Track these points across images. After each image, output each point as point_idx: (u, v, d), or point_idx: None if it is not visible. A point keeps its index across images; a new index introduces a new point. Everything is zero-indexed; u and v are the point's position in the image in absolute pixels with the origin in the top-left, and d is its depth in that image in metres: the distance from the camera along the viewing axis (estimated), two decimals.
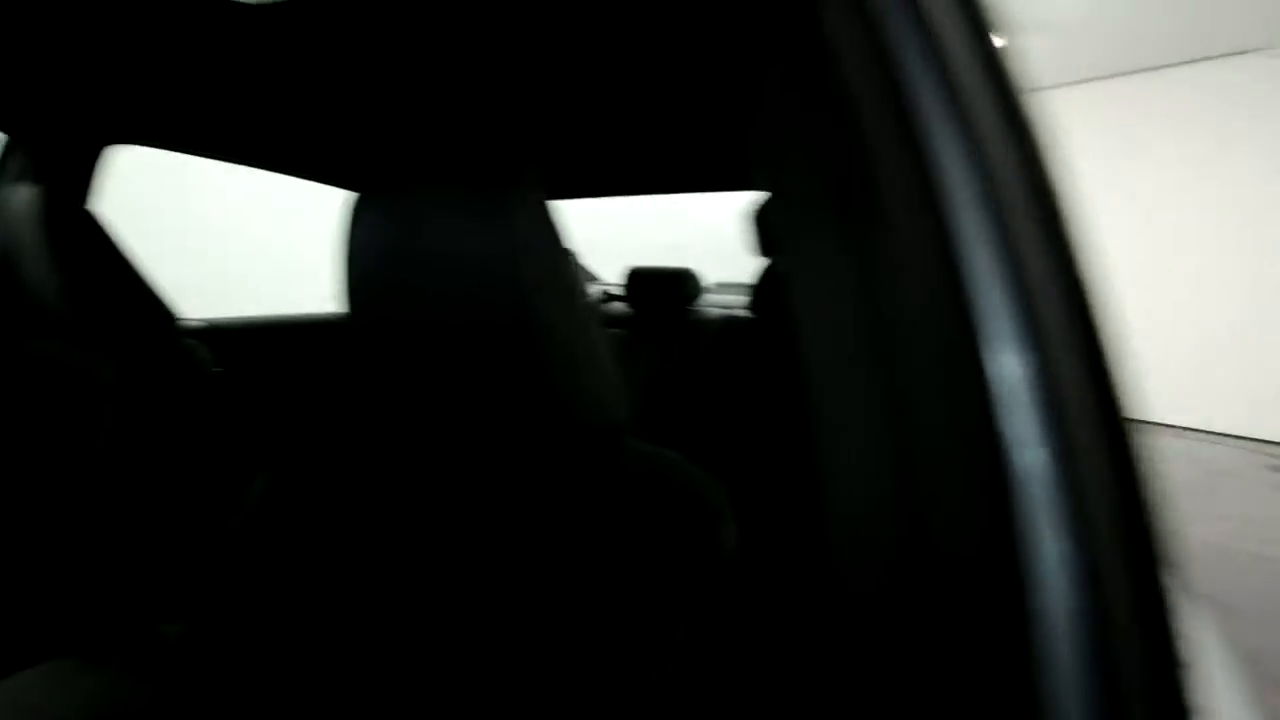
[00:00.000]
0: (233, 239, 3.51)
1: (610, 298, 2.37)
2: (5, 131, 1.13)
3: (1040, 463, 0.26)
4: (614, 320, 1.94)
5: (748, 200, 1.53)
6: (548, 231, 0.47)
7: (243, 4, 0.71)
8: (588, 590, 0.45)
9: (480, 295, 0.46)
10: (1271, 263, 4.37)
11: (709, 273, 1.99)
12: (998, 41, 0.34)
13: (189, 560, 0.93)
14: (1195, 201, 4.68)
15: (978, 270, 0.29)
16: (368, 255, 0.53)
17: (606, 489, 0.48)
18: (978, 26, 0.33)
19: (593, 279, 2.98)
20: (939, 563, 0.29)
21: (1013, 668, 0.25)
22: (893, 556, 0.30)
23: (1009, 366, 0.28)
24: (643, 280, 1.88)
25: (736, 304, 1.85)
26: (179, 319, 1.03)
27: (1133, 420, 0.31)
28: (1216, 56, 4.43)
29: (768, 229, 0.40)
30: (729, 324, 1.65)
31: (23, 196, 0.94)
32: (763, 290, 1.51)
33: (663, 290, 1.86)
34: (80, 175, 1.17)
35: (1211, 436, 4.58)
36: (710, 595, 0.44)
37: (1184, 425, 4.73)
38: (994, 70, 0.33)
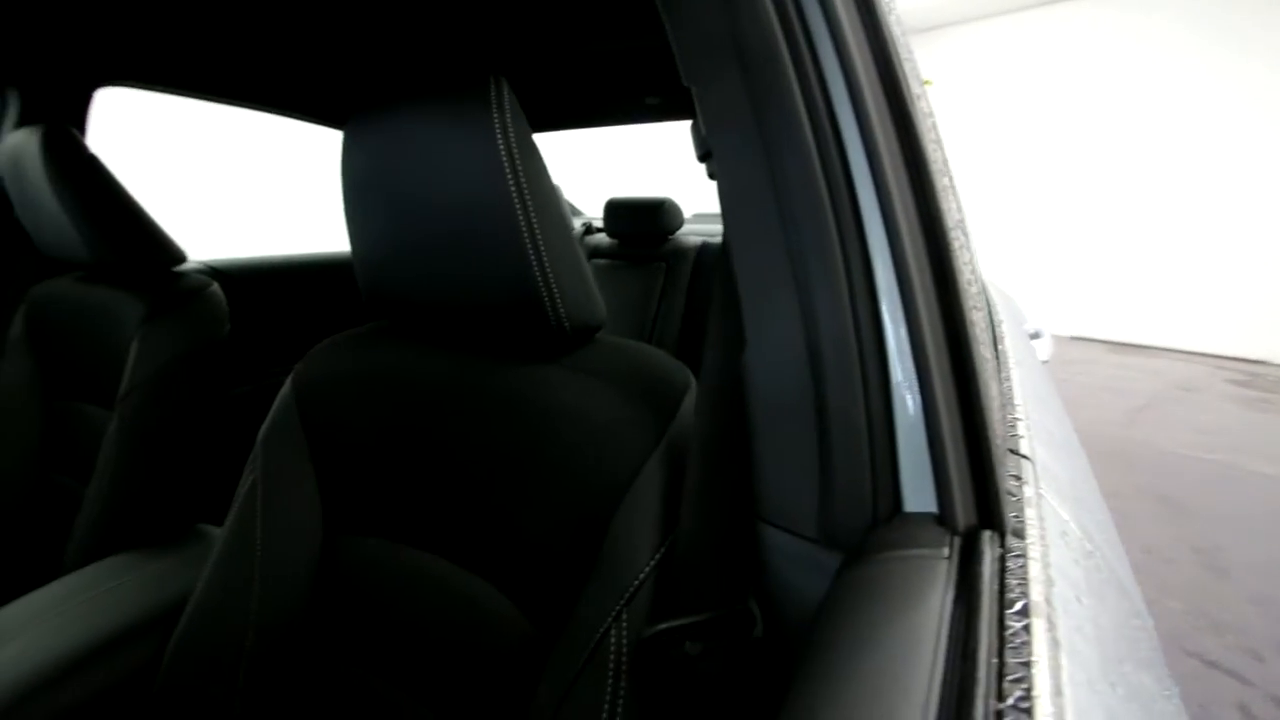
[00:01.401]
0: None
1: (591, 230, 2.42)
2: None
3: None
4: (597, 252, 2.00)
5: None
6: (529, 145, 0.52)
7: None
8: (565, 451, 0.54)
9: (473, 204, 0.52)
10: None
11: (687, 204, 2.04)
12: None
13: (220, 471, 1.03)
14: None
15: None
16: (365, 177, 0.59)
17: (583, 370, 0.56)
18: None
19: (575, 212, 3.00)
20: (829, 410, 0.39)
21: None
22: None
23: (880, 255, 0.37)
24: (622, 211, 1.93)
25: (715, 232, 1.92)
26: (186, 258, 1.10)
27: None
28: None
29: (702, 139, 0.45)
30: (706, 249, 1.73)
31: (23, 137, 0.99)
32: None
33: (643, 221, 1.91)
34: (74, 118, 1.20)
35: (1180, 354, 4.78)
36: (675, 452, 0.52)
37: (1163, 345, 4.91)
38: None
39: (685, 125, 1.91)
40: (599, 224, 2.33)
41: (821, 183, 0.38)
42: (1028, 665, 0.25)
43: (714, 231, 1.92)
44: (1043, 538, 0.35)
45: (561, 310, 0.54)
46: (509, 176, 0.51)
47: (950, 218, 0.37)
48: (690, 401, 0.54)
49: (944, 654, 0.25)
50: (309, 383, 0.68)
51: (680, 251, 1.84)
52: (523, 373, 0.57)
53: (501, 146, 0.51)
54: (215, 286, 1.06)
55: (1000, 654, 0.25)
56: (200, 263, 1.49)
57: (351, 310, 1.79)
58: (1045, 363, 1.13)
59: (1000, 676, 0.25)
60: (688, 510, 0.46)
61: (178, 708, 0.64)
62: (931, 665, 0.24)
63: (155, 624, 0.73)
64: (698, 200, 2.44)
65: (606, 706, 0.45)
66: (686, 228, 2.04)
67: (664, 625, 0.44)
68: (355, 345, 0.68)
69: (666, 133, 1.90)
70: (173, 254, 1.06)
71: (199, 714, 0.64)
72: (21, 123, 1.16)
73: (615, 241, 1.98)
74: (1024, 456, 0.44)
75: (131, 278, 1.03)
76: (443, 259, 0.56)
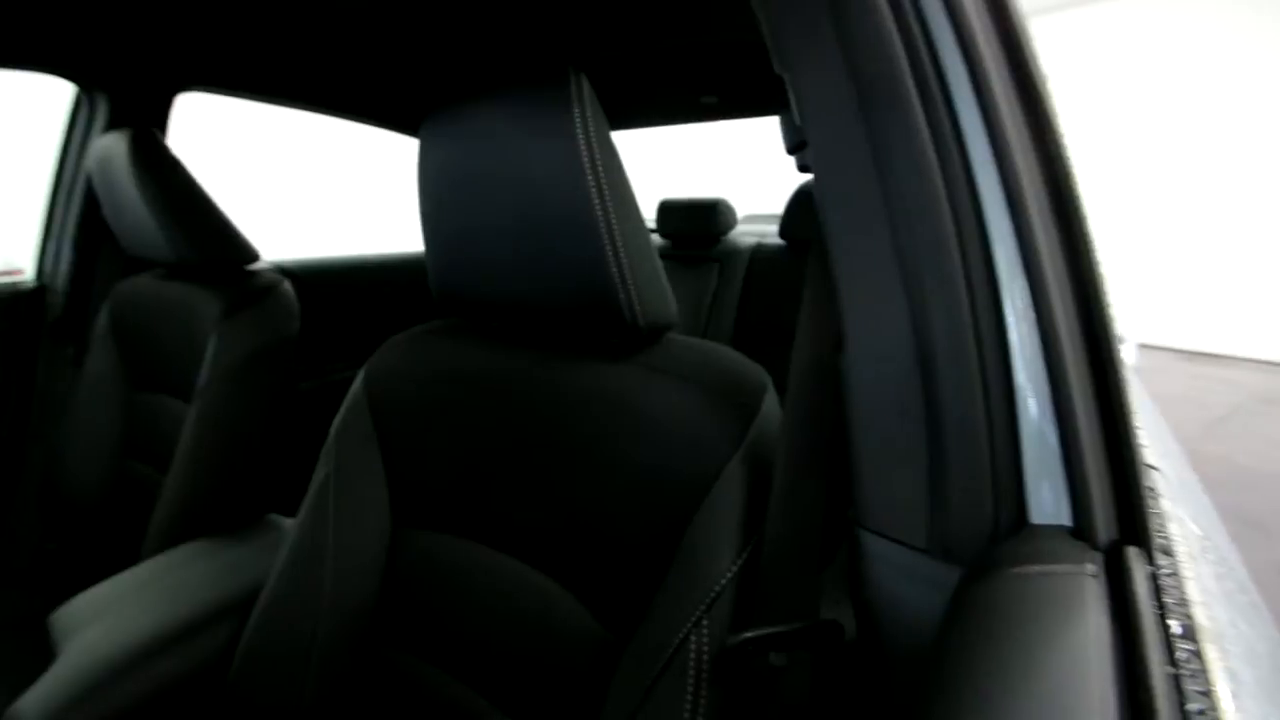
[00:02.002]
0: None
1: None
2: (83, 81, 1.21)
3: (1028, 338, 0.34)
4: None
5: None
6: (608, 141, 0.52)
7: None
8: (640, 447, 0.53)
9: (550, 201, 0.52)
10: None
11: (740, 205, 2.02)
12: None
13: (288, 463, 1.06)
14: None
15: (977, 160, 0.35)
16: (441, 175, 0.59)
17: (656, 368, 0.55)
18: None
19: None
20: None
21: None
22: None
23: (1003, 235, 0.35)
24: (675, 212, 1.92)
25: (767, 233, 1.88)
26: (259, 257, 1.13)
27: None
28: None
29: (795, 130, 0.43)
30: (761, 250, 1.70)
31: (112, 141, 1.04)
32: (793, 213, 1.55)
33: (696, 221, 1.89)
34: (157, 122, 1.26)
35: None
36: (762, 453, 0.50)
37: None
38: None
39: (733, 125, 1.89)
40: (650, 224, 2.32)
41: (937, 174, 0.35)
42: (1208, 695, 0.23)
43: (767, 232, 1.88)
44: (1190, 555, 0.32)
45: (637, 308, 0.53)
46: (589, 172, 0.50)
47: (1085, 208, 0.35)
48: (770, 402, 0.52)
49: (1113, 684, 0.23)
50: (379, 378, 0.68)
51: (734, 252, 1.82)
52: (595, 370, 0.57)
53: (582, 142, 0.50)
54: (287, 284, 1.09)
55: (1179, 685, 0.23)
56: (269, 262, 1.54)
57: (411, 308, 1.83)
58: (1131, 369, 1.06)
59: (1183, 710, 0.22)
60: (775, 515, 0.44)
61: (252, 694, 0.66)
62: (1102, 697, 0.22)
63: (230, 611, 0.75)
64: (747, 201, 2.41)
65: (687, 715, 0.44)
66: (739, 228, 2.01)
67: (749, 634, 0.42)
68: (426, 341, 0.69)
69: (717, 133, 1.89)
70: (247, 253, 1.09)
71: (272, 700, 0.65)
72: (110, 126, 1.22)
73: (667, 242, 1.97)
74: (1152, 467, 0.40)
75: (209, 276, 1.07)
76: (516, 256, 0.56)
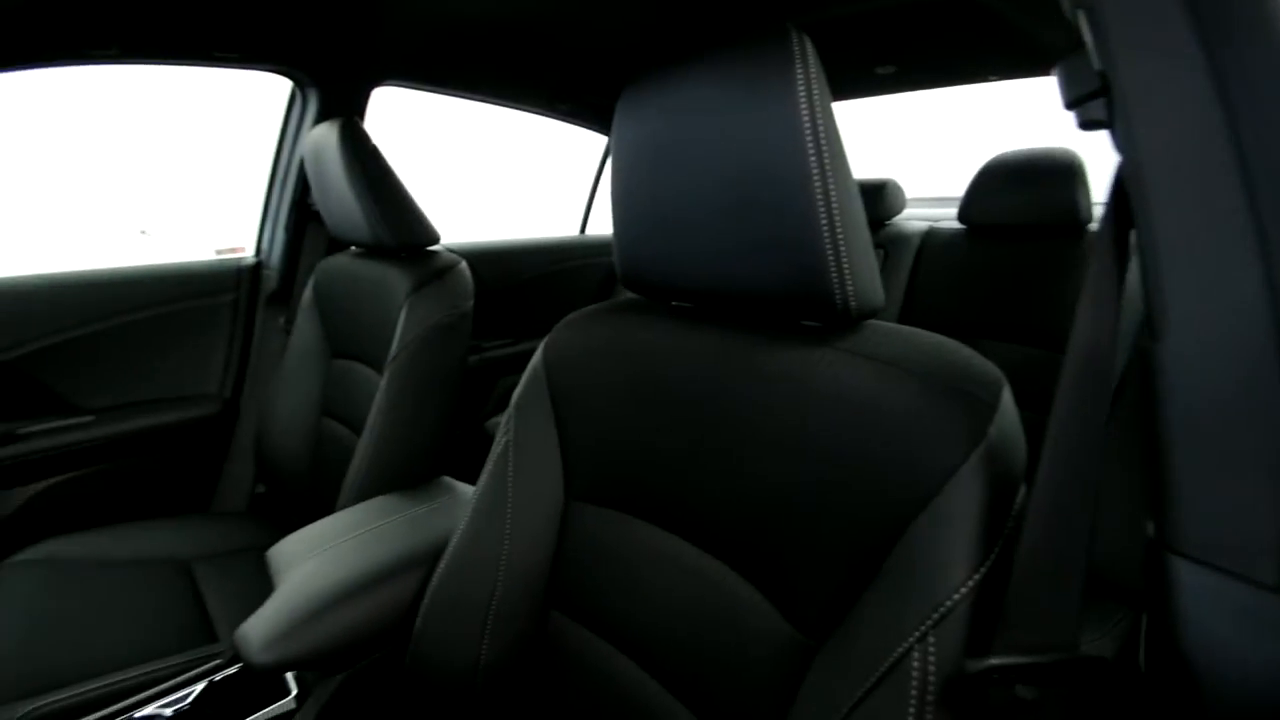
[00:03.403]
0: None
1: None
2: (300, 77, 1.36)
3: None
4: None
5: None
6: (829, 109, 0.47)
7: None
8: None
9: (760, 173, 0.48)
10: None
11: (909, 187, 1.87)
12: None
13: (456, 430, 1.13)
14: None
15: None
16: (637, 148, 0.57)
17: (866, 355, 0.50)
18: None
19: None
20: None
21: None
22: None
23: None
24: None
25: (937, 217, 1.73)
26: (440, 239, 1.21)
27: None
28: None
29: (1079, 79, 0.37)
30: (933, 236, 1.56)
31: (324, 131, 1.15)
32: (979, 194, 1.41)
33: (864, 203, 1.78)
34: (358, 114, 1.39)
35: None
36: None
37: None
38: None
39: (892, 103, 1.74)
40: None
41: None
42: None
43: (937, 217, 1.72)
44: None
45: (850, 289, 0.48)
46: (809, 141, 0.46)
47: None
48: (1008, 399, 0.45)
49: None
50: (559, 353, 0.69)
51: (901, 238, 1.69)
52: (796, 353, 0.52)
53: (804, 107, 0.46)
54: (464, 264, 1.16)
55: None
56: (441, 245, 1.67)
57: (567, 291, 1.89)
58: None
59: None
60: (1034, 530, 0.38)
61: (437, 638, 0.70)
62: None
63: (417, 561, 0.80)
64: (912, 184, 2.24)
65: None
66: (907, 212, 1.87)
67: (995, 661, 0.37)
68: (607, 318, 0.68)
69: (879, 110, 1.75)
70: (431, 235, 1.17)
71: (452, 648, 0.68)
72: (320, 118, 1.36)
73: None
74: None
75: (398, 255, 1.16)
76: (715, 231, 0.53)
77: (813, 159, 0.46)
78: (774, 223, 0.49)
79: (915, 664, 0.40)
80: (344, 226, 1.19)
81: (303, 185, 1.45)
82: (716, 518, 0.55)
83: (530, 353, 0.73)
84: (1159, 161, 0.32)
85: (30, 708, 0.80)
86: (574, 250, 2.16)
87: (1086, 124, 0.38)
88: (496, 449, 0.71)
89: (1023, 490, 0.44)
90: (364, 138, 1.12)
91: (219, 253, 1.59)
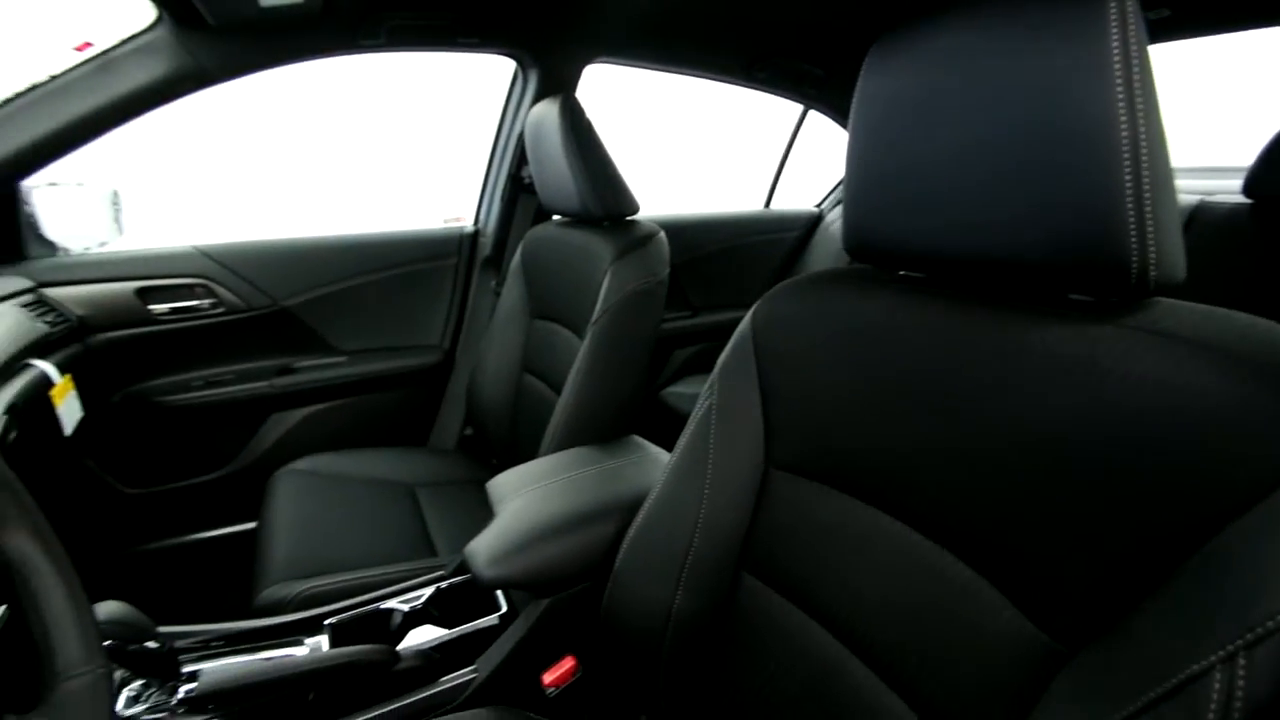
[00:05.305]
0: None
1: None
2: (523, 58, 1.48)
3: None
4: None
5: None
6: (1144, 44, 0.41)
7: None
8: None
9: (1047, 121, 0.44)
10: None
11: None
12: None
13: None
14: None
15: None
16: (888, 105, 0.54)
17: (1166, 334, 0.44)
18: None
19: None
20: None
21: None
22: None
23: None
24: None
25: (1216, 190, 1.43)
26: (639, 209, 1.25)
27: None
28: None
29: None
30: (1203, 211, 1.31)
31: (545, 107, 1.24)
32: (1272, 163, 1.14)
33: None
34: (571, 91, 1.48)
35: None
36: None
37: None
38: None
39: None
40: None
41: None
42: None
43: (1212, 189, 1.43)
44: None
45: (1151, 255, 0.42)
46: (1119, 84, 0.40)
47: None
48: None
49: None
50: (768, 321, 0.68)
51: None
52: (1069, 331, 0.47)
53: (1116, 44, 0.40)
54: (662, 234, 1.20)
55: None
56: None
57: (749, 267, 1.88)
58: None
59: None
60: None
61: (632, 582, 0.74)
62: None
63: (613, 510, 0.86)
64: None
65: None
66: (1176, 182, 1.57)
67: None
68: (824, 288, 0.66)
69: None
70: (633, 205, 1.22)
71: (646, 593, 0.72)
72: (537, 98, 1.46)
73: None
74: None
75: (602, 224, 1.23)
76: (975, 192, 0.48)
77: (1122, 103, 0.41)
78: (1056, 178, 0.44)
79: (1217, 685, 0.35)
80: (556, 197, 1.27)
81: (518, 159, 1.59)
82: (949, 505, 0.52)
83: (708, 327, 0.74)
84: None
85: (303, 587, 0.98)
86: (758, 224, 2.12)
87: None
88: (698, 412, 0.72)
89: None
90: (581, 112, 1.19)
91: (446, 221, 1.80)
